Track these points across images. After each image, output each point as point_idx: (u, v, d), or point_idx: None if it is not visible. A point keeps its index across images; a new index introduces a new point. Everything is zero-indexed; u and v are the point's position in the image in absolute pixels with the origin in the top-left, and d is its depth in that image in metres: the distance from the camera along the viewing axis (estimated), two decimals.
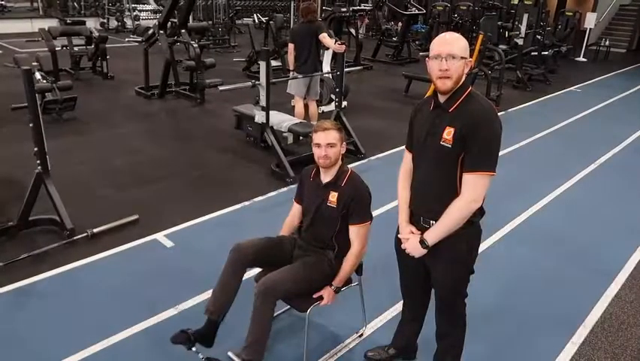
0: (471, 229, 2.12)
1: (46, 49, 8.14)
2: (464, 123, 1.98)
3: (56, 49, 8.28)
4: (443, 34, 2.06)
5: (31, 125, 3.63)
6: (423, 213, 2.18)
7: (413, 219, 2.23)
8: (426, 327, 2.59)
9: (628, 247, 4.04)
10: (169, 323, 2.95)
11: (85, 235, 3.82)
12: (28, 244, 3.72)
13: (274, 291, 2.40)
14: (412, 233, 2.20)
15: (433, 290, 2.35)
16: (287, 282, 2.44)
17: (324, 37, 5.81)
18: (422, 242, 2.12)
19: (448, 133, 2.01)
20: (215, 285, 2.54)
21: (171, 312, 3.05)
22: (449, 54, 1.97)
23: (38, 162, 3.78)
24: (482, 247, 2.22)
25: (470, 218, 2.07)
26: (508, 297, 3.34)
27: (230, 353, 2.66)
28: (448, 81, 1.99)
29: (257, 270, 2.78)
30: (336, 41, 5.87)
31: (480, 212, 2.11)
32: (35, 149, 3.72)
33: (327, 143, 2.50)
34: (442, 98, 2.07)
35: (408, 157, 2.30)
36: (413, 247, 2.16)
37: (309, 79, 6.08)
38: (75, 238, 3.78)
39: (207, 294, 3.18)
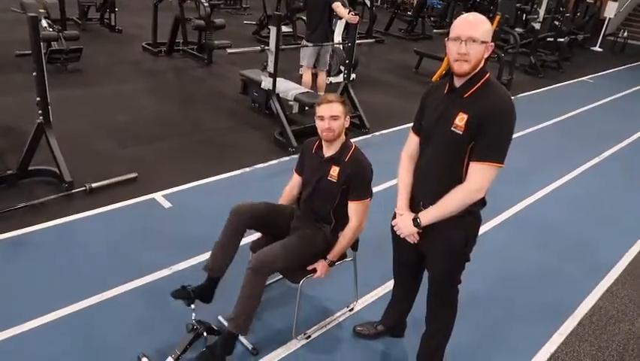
0: (470, 218, 2.09)
1: None
2: (479, 111, 1.91)
3: None
4: (466, 14, 1.96)
5: (34, 74, 3.58)
6: (423, 198, 2.14)
7: (413, 204, 2.19)
8: (416, 307, 2.60)
9: (624, 242, 4.03)
10: (162, 283, 2.97)
11: (83, 188, 3.81)
12: (25, 193, 3.72)
13: (267, 267, 2.40)
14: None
15: (425, 273, 2.35)
16: (280, 259, 2.43)
17: (338, 7, 5.65)
18: (415, 220, 2.09)
19: (461, 119, 1.94)
20: (215, 243, 2.55)
21: (165, 272, 3.07)
22: (470, 37, 1.88)
23: (40, 112, 3.74)
24: (478, 232, 2.20)
25: (470, 208, 2.02)
26: (499, 284, 3.35)
27: (220, 318, 2.68)
28: (466, 65, 1.91)
29: (255, 235, 2.79)
30: (349, 11, 5.72)
31: (481, 202, 2.06)
32: (38, 98, 3.68)
33: (330, 115, 2.46)
34: (457, 82, 2.00)
35: (413, 140, 2.24)
36: (405, 224, 2.13)
37: (318, 48, 5.96)
38: (73, 191, 3.78)
39: (202, 257, 3.20)
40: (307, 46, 5.84)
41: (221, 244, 2.55)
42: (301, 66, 6.40)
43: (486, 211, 2.14)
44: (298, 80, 6.56)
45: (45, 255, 3.13)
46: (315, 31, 5.81)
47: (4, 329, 2.53)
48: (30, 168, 3.88)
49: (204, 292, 2.57)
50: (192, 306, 2.53)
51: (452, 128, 1.97)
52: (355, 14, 5.44)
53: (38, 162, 3.91)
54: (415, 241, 2.16)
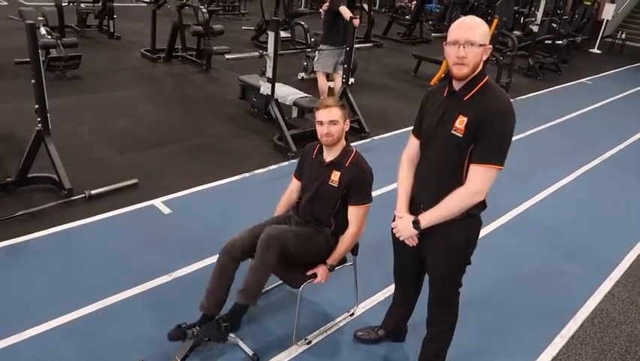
0: (470, 221, 2.09)
1: (53, 4, 8.01)
2: (479, 113, 1.91)
3: (63, 4, 8.16)
4: (463, 18, 1.97)
5: (32, 81, 3.58)
6: (423, 200, 2.13)
7: (413, 206, 2.19)
8: (417, 311, 2.59)
9: (625, 244, 4.02)
10: (162, 289, 2.96)
11: (82, 195, 3.80)
12: (25, 201, 3.71)
13: (277, 240, 2.41)
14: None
15: (426, 276, 2.34)
16: (289, 236, 2.47)
17: (344, 9, 5.66)
18: (415, 222, 2.08)
19: (461, 122, 1.94)
20: (209, 281, 2.52)
21: (165, 278, 3.06)
22: (467, 41, 1.88)
23: (39, 119, 3.74)
24: (479, 235, 2.19)
25: (471, 211, 2.02)
26: (500, 287, 3.34)
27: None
28: (465, 68, 1.91)
29: None
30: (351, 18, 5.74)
31: (482, 205, 2.06)
32: (36, 106, 3.68)
33: (329, 120, 2.46)
34: (457, 86, 2.00)
35: (414, 143, 2.24)
36: (404, 226, 2.12)
37: (337, 51, 5.93)
38: (72, 198, 3.77)
39: (202, 263, 3.19)
40: (327, 49, 5.82)
41: (213, 286, 2.50)
42: (306, 70, 6.36)
43: (487, 214, 2.13)
44: (297, 84, 6.57)
45: (44, 262, 3.12)
46: (330, 35, 5.84)
47: (4, 338, 2.51)
48: (29, 175, 3.87)
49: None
50: (185, 342, 2.47)
51: (452, 131, 1.97)
52: (355, 18, 5.46)
53: (37, 169, 3.91)
54: (414, 244, 2.15)
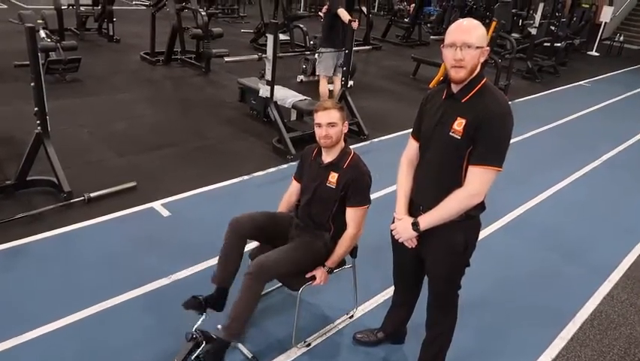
0: (469, 223, 2.09)
1: (53, 7, 8.03)
2: (477, 115, 1.91)
3: (62, 8, 8.17)
4: (460, 20, 1.98)
5: (32, 84, 3.59)
6: (423, 202, 2.14)
7: (412, 208, 2.19)
8: (416, 313, 2.59)
9: (624, 246, 4.03)
10: (162, 292, 2.96)
11: (82, 198, 3.80)
12: (24, 204, 3.71)
13: (267, 272, 2.39)
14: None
15: (425, 278, 2.35)
16: (281, 265, 2.44)
17: (342, 12, 5.68)
18: (414, 224, 2.08)
19: (459, 124, 1.95)
20: (218, 255, 2.56)
21: (164, 281, 3.06)
22: (465, 43, 1.89)
23: (38, 122, 3.74)
24: (478, 237, 2.19)
25: (470, 212, 2.03)
26: (500, 289, 3.34)
27: (219, 327, 2.67)
28: (462, 71, 1.92)
29: (254, 243, 2.79)
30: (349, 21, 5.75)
31: (481, 207, 2.07)
32: (36, 109, 3.68)
33: (327, 122, 2.47)
34: (455, 88, 2.01)
35: (413, 145, 2.24)
36: (404, 227, 2.12)
37: (336, 55, 5.95)
38: (72, 201, 3.77)
39: (202, 265, 3.20)
40: (327, 52, 5.84)
41: (223, 257, 2.55)
42: (305, 72, 6.37)
43: (486, 216, 2.14)
44: (296, 87, 6.57)
45: (44, 265, 3.12)
46: (329, 37, 5.85)
47: (3, 341, 2.51)
48: (28, 178, 3.87)
49: (215, 302, 2.56)
50: (204, 316, 2.52)
51: (451, 133, 1.97)
52: (354, 21, 5.47)
53: (37, 172, 3.91)
54: (413, 246, 2.16)
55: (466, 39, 1.89)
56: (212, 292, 2.56)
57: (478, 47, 1.91)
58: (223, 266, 2.54)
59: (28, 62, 3.57)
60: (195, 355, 2.38)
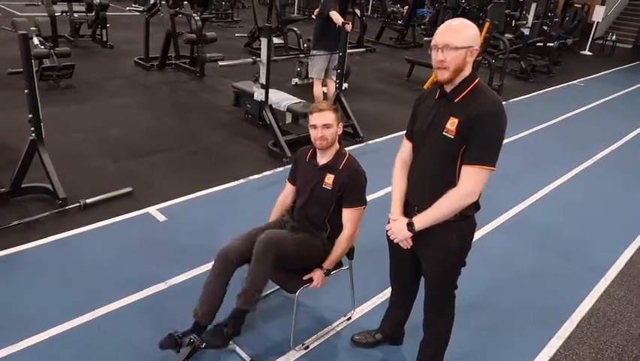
0: (464, 223, 2.09)
1: (46, 14, 8.01)
2: (469, 115, 1.92)
3: (56, 14, 8.16)
4: (448, 21, 1.99)
5: (26, 91, 3.58)
6: (417, 202, 2.14)
7: (407, 208, 2.19)
8: (414, 314, 2.59)
9: (620, 243, 4.04)
10: (158, 297, 2.95)
11: (77, 205, 3.79)
12: (19, 211, 3.70)
13: (276, 243, 2.43)
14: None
15: (422, 279, 2.35)
16: (287, 240, 2.49)
17: (334, 14, 5.69)
18: (409, 225, 2.08)
19: (452, 124, 1.96)
20: (203, 288, 2.51)
21: (160, 286, 3.05)
22: (445, 44, 1.90)
23: (32, 128, 3.73)
24: (474, 237, 2.20)
25: (464, 212, 2.03)
26: (497, 289, 3.35)
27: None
28: (445, 72, 1.93)
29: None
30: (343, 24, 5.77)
31: (475, 206, 2.07)
32: (30, 115, 3.67)
33: (323, 124, 2.48)
34: (447, 88, 2.02)
35: (407, 146, 2.25)
36: (399, 228, 2.12)
37: (328, 58, 5.96)
38: (67, 207, 3.76)
39: (197, 270, 3.19)
40: (319, 54, 5.85)
41: (207, 293, 2.49)
42: (299, 75, 6.38)
43: (482, 215, 2.15)
44: (290, 90, 6.58)
45: (40, 272, 3.10)
46: (321, 40, 5.87)
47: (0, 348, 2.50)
48: (23, 185, 3.86)
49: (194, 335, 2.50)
50: (181, 351, 2.45)
51: (444, 133, 1.98)
52: (347, 23, 5.48)
53: (32, 179, 3.90)
54: (409, 247, 2.16)
55: (447, 40, 1.90)
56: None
57: (461, 48, 1.90)
58: (207, 300, 2.48)
59: (21, 70, 3.56)
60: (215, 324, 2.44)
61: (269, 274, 2.44)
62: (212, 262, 2.52)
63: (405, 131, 2.28)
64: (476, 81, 1.99)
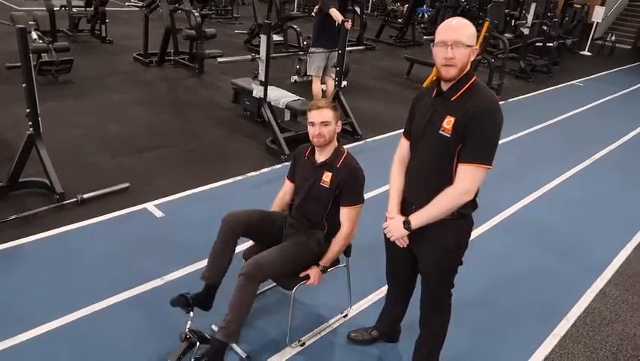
0: (462, 221, 2.10)
1: (45, 8, 7.99)
2: (465, 114, 1.92)
3: (55, 9, 8.13)
4: (450, 19, 1.99)
5: (24, 85, 3.57)
6: (414, 200, 2.14)
7: (404, 207, 2.19)
8: (410, 312, 2.60)
9: (616, 243, 4.05)
10: (155, 293, 2.96)
11: (74, 200, 3.79)
12: (16, 205, 3.69)
13: (261, 273, 2.39)
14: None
15: (418, 277, 2.35)
16: (274, 265, 2.44)
17: (333, 12, 5.68)
18: (406, 223, 2.09)
19: (448, 122, 1.96)
20: (210, 252, 2.55)
21: (157, 282, 3.05)
22: (455, 41, 1.90)
23: (30, 123, 3.72)
24: (471, 235, 2.20)
25: (462, 210, 2.04)
26: (493, 287, 3.35)
27: (213, 327, 2.67)
28: (453, 69, 1.93)
29: (247, 243, 2.78)
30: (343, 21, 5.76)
31: (472, 205, 2.08)
32: (28, 110, 3.66)
33: (321, 121, 2.47)
34: (444, 86, 2.02)
35: (404, 144, 2.25)
36: (395, 226, 2.13)
37: (328, 54, 5.95)
38: (64, 202, 3.75)
39: (195, 266, 3.19)
40: (318, 52, 5.84)
41: (214, 253, 2.54)
42: (298, 73, 6.36)
43: (480, 214, 2.15)
44: (290, 88, 6.57)
45: (36, 267, 3.10)
46: (320, 37, 5.86)
47: None
48: (21, 179, 3.85)
49: (203, 300, 2.56)
50: (191, 314, 2.51)
51: (440, 131, 1.98)
52: (347, 21, 5.47)
53: (29, 173, 3.89)
54: (405, 245, 2.16)
55: (457, 37, 1.90)
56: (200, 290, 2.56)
57: (468, 46, 1.92)
58: (214, 262, 2.53)
59: (20, 64, 3.55)
60: (195, 357, 2.37)
61: (251, 305, 2.41)
62: (219, 227, 2.54)
63: (403, 130, 2.28)
64: (472, 80, 1.99)
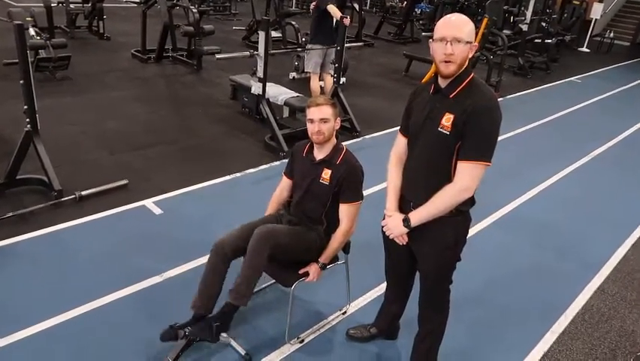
0: (460, 218, 2.10)
1: (42, 4, 7.95)
2: (464, 111, 1.92)
3: (52, 5, 8.10)
4: (449, 15, 1.98)
5: (21, 82, 3.55)
6: (413, 198, 2.14)
7: (403, 204, 2.19)
8: (409, 308, 2.60)
9: (614, 240, 4.06)
10: (153, 290, 2.95)
11: (73, 197, 3.78)
12: (14, 202, 3.68)
13: (271, 236, 2.42)
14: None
15: (417, 274, 2.35)
16: (284, 235, 2.48)
17: (332, 8, 5.66)
18: (405, 220, 2.08)
19: (447, 120, 1.95)
20: (200, 280, 2.51)
21: (156, 279, 3.05)
22: (455, 38, 1.89)
23: (28, 120, 3.71)
24: (469, 233, 2.20)
25: (460, 207, 2.03)
26: (492, 284, 3.36)
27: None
28: (452, 65, 1.93)
29: None
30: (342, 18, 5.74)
31: (470, 202, 2.08)
32: (25, 107, 3.65)
33: (320, 118, 2.47)
34: (443, 83, 2.01)
35: (401, 141, 2.24)
36: (395, 224, 2.12)
37: (324, 51, 5.93)
38: (62, 199, 3.74)
39: (193, 263, 3.18)
40: (315, 48, 5.83)
41: (205, 283, 2.49)
42: (297, 70, 6.34)
43: (477, 211, 2.15)
44: (288, 84, 6.56)
45: (34, 264, 3.09)
46: (318, 34, 5.84)
47: None
48: (18, 176, 3.84)
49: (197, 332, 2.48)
50: (177, 342, 2.45)
51: (439, 129, 1.98)
52: (345, 17, 5.46)
53: (27, 170, 3.88)
54: (404, 242, 2.16)
55: (457, 34, 1.89)
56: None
57: (467, 42, 1.91)
58: (205, 290, 2.47)
59: (17, 60, 3.53)
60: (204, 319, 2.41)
61: (261, 271, 2.44)
62: (208, 255, 2.52)
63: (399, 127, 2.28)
64: (471, 76, 1.99)
